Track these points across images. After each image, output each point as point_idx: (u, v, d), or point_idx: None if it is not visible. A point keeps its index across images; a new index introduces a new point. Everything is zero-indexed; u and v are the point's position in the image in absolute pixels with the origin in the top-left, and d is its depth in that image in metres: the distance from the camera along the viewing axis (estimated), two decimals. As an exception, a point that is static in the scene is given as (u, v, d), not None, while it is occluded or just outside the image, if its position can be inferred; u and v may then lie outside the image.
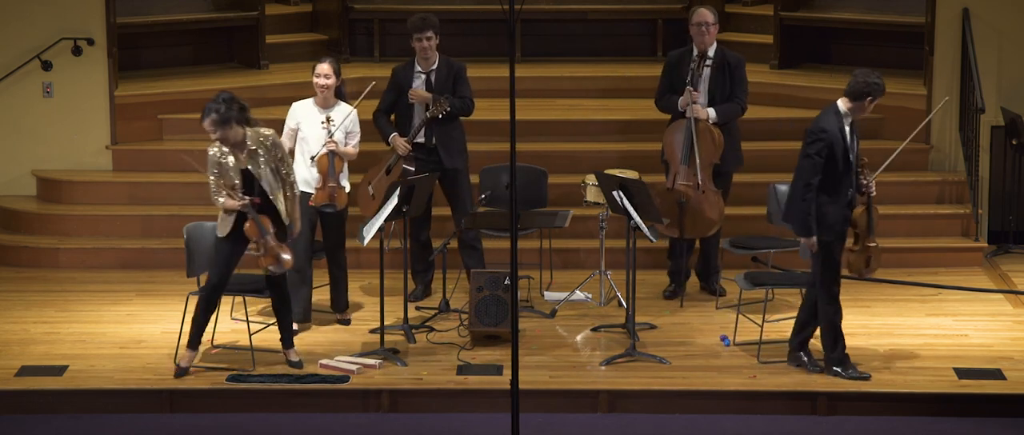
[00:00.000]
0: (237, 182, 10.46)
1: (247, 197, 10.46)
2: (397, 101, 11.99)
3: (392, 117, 12.07)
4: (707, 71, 11.93)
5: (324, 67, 11.35)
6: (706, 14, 11.99)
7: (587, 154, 13.62)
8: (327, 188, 11.27)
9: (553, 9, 15.65)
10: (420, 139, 11.88)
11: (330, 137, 11.26)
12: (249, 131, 10.50)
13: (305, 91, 13.09)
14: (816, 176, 10.33)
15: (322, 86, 11.33)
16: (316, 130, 11.33)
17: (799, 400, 10.53)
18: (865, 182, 10.50)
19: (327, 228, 11.50)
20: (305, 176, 11.32)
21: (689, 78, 11.86)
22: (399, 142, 11.85)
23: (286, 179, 10.60)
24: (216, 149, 10.57)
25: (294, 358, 10.89)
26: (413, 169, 11.81)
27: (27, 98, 13.71)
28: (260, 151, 10.51)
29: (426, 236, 12.22)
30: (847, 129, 10.42)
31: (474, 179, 12.38)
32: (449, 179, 11.98)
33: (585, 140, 13.97)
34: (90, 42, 13.69)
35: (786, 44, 15.01)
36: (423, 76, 11.90)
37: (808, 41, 15.15)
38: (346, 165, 11.46)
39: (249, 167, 10.48)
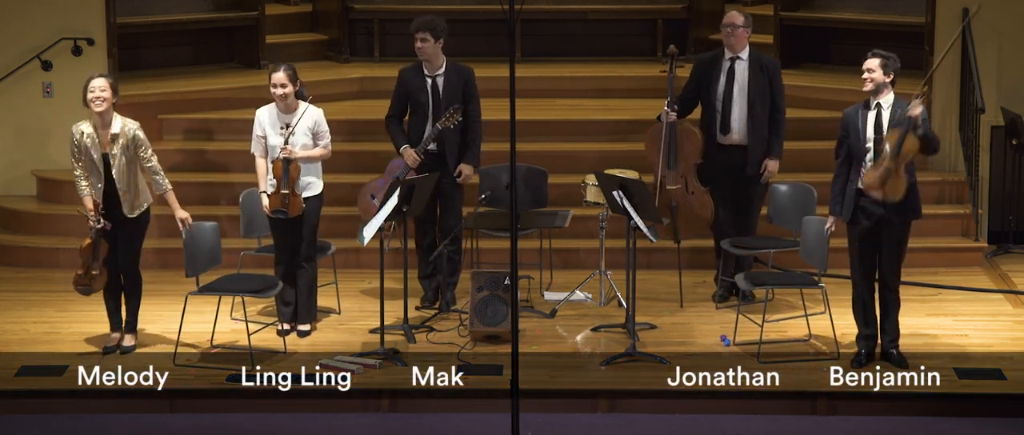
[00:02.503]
0: (96, 188, 10.97)
1: (103, 222, 10.88)
2: (407, 104, 11.94)
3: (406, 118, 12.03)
4: (743, 76, 11.88)
5: (278, 77, 11.20)
6: (735, 16, 11.91)
7: (587, 154, 13.62)
8: (279, 195, 11.24)
9: (553, 9, 15.65)
10: (430, 146, 11.84)
11: (285, 144, 11.23)
12: (119, 119, 10.91)
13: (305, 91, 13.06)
14: (837, 155, 10.80)
15: (278, 96, 11.25)
16: (278, 137, 11.30)
17: (799, 400, 10.54)
18: (912, 102, 10.50)
19: (290, 235, 11.42)
20: (274, 182, 11.30)
21: (668, 100, 11.91)
22: (409, 154, 11.79)
23: (155, 174, 11.11)
24: (79, 127, 11.03)
25: (129, 344, 11.16)
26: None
27: (27, 98, 13.71)
28: (123, 138, 10.91)
29: (431, 239, 12.15)
30: (871, 113, 10.62)
31: (474, 179, 12.36)
32: (448, 185, 11.93)
33: (585, 140, 13.96)
34: (90, 42, 13.69)
35: (786, 44, 15.00)
36: (430, 80, 11.85)
37: (808, 41, 15.15)
38: (320, 165, 11.42)
39: (111, 153, 10.94)
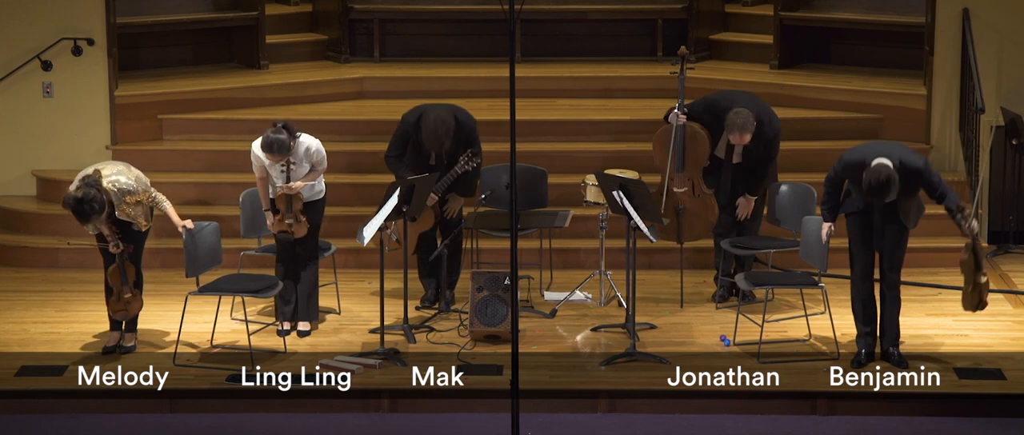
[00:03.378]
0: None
1: (122, 246, 10.92)
2: (408, 148, 11.86)
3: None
4: (739, 150, 11.84)
5: (274, 160, 11.20)
6: (742, 137, 11.67)
7: (587, 154, 13.62)
8: (284, 222, 11.31)
9: (553, 9, 15.64)
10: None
11: (286, 182, 11.24)
12: (105, 184, 10.84)
13: (304, 91, 13.12)
14: (832, 184, 10.87)
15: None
16: (279, 174, 11.31)
17: (799, 400, 10.54)
18: (965, 226, 10.65)
19: (293, 246, 11.49)
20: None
21: (679, 100, 11.89)
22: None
23: (155, 208, 11.12)
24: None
25: (129, 343, 11.19)
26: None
27: (27, 98, 13.71)
28: (116, 201, 10.90)
29: (431, 239, 12.12)
30: None
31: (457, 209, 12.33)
32: (450, 184, 11.94)
33: (585, 140, 13.96)
34: (90, 42, 13.69)
35: (786, 44, 15.01)
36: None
37: (808, 41, 15.15)
38: (321, 177, 11.45)
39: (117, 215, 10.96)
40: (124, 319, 11.21)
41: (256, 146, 11.30)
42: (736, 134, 11.68)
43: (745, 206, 11.94)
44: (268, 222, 11.43)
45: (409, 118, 11.87)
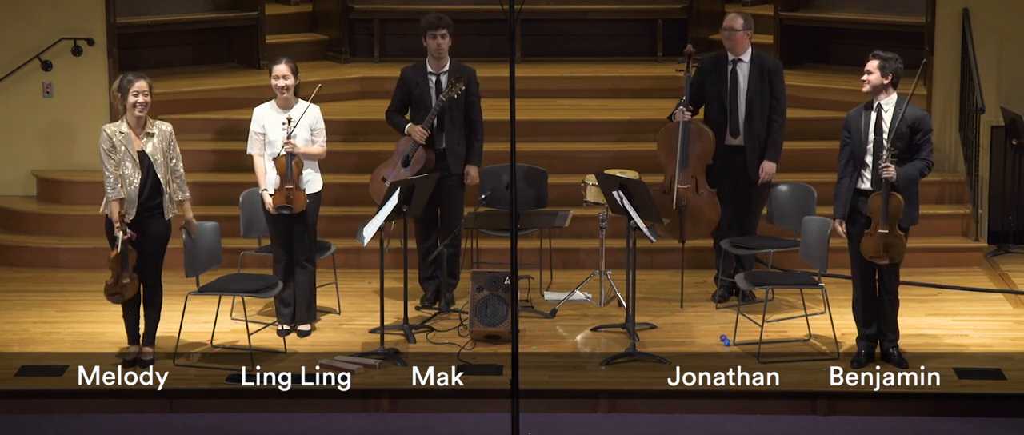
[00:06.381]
0: (128, 172, 10.76)
1: (130, 232, 10.69)
2: (408, 101, 11.94)
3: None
4: (744, 78, 11.84)
5: (281, 68, 11.24)
6: (734, 20, 11.84)
7: (587, 154, 13.62)
8: (284, 190, 11.21)
9: (553, 9, 15.65)
10: (433, 121, 11.82)
11: (288, 138, 11.21)
12: (151, 120, 10.91)
13: (304, 91, 13.06)
14: (841, 159, 10.75)
15: (281, 87, 11.25)
16: (279, 132, 11.28)
17: (799, 400, 10.54)
18: (882, 165, 10.46)
19: (292, 230, 11.41)
20: (274, 179, 11.29)
21: (684, 97, 11.88)
22: (416, 130, 11.77)
23: (178, 178, 10.91)
24: (112, 127, 10.89)
25: (148, 356, 10.97)
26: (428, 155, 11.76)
27: (27, 98, 13.72)
28: (157, 137, 10.83)
29: (432, 242, 12.12)
30: (872, 115, 10.62)
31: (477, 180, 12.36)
32: (448, 185, 11.92)
33: (585, 140, 13.96)
34: (90, 42, 13.69)
35: (786, 44, 15.01)
36: (434, 78, 11.84)
37: (808, 41, 15.16)
38: (317, 163, 11.41)
39: (147, 150, 10.79)
40: (120, 302, 10.99)
41: (259, 108, 11.29)
42: (730, 17, 11.80)
43: (768, 169, 11.91)
44: (267, 202, 11.30)
45: (408, 68, 11.90)
